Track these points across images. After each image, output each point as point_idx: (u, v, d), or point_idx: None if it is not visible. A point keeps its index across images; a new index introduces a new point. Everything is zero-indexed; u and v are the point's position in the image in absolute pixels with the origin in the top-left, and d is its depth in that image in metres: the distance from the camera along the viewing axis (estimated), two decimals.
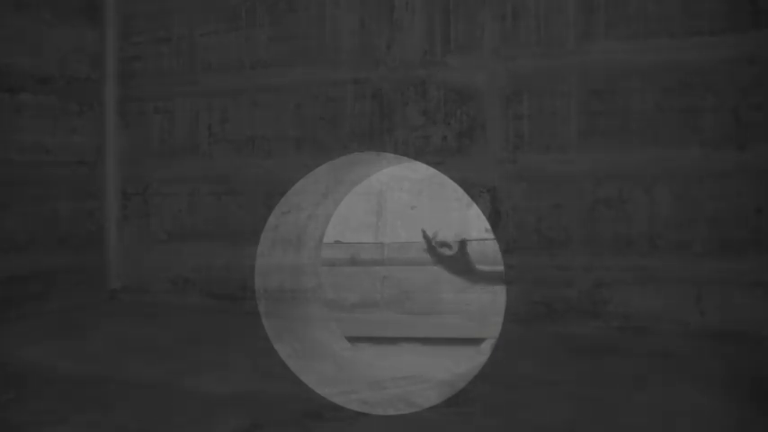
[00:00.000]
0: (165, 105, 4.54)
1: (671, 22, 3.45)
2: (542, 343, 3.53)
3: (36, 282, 4.25)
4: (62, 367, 3.44)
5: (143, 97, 4.61)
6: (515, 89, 3.72)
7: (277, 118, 4.24)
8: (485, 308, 8.38)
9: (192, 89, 4.47)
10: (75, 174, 4.51)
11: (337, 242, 10.05)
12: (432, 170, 3.92)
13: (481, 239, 9.66)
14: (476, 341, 8.09)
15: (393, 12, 3.96)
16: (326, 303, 9.75)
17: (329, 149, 4.11)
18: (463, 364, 3.46)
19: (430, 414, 2.89)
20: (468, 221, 10.11)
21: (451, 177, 3.84)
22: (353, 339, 5.40)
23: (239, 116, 4.35)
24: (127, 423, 2.77)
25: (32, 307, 4.17)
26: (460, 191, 3.83)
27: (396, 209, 11.55)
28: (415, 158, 3.92)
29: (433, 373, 3.49)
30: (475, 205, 3.79)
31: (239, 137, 4.35)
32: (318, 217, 4.78)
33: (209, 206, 4.42)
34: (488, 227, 3.82)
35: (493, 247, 3.88)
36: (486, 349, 6.90)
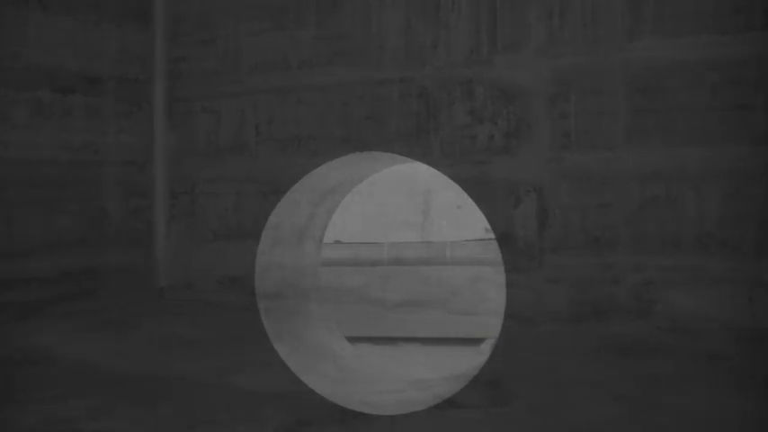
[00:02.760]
0: (212, 105, 4.57)
1: (720, 17, 3.39)
2: (587, 343, 3.49)
3: (85, 279, 4.33)
4: (107, 364, 3.48)
5: (190, 97, 4.65)
6: (561, 88, 3.69)
7: (323, 117, 4.25)
8: None
9: (238, 89, 4.50)
10: (125, 173, 4.57)
11: (337, 242, 10.02)
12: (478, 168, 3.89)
13: (482, 239, 9.65)
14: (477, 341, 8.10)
15: (439, 11, 3.95)
16: (372, 302, 9.80)
17: (375, 149, 4.12)
18: (507, 363, 3.44)
19: (474, 413, 2.88)
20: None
21: (498, 176, 3.82)
22: (353, 339, 5.36)
23: (285, 116, 4.37)
24: (170, 419, 2.80)
25: (81, 304, 4.24)
26: (507, 190, 3.80)
27: (441, 208, 11.45)
28: (461, 157, 3.90)
29: (473, 372, 3.47)
30: (522, 205, 3.76)
31: (285, 136, 4.36)
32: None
33: (255, 205, 4.45)
34: (488, 227, 3.80)
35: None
36: (485, 349, 6.86)
